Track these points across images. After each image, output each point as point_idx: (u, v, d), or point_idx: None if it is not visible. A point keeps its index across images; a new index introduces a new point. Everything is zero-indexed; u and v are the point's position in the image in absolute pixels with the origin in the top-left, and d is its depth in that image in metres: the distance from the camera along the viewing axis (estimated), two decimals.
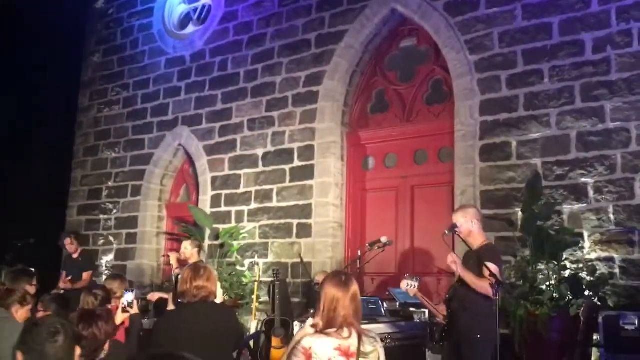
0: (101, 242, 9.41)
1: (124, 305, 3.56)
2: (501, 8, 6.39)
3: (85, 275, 7.19)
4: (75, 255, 7.43)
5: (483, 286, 3.78)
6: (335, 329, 2.45)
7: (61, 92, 10.57)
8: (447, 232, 4.15)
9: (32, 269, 5.02)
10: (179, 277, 3.23)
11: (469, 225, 4.18)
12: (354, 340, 2.44)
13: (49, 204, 10.00)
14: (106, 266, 9.21)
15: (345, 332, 2.45)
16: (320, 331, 2.47)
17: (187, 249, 5.94)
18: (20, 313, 3.67)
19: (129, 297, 3.59)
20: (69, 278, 7.04)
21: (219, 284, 3.24)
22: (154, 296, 6.37)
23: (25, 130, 10.65)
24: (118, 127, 9.65)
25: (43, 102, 10.44)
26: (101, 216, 9.53)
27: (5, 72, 10.60)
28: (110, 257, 9.23)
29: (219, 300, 3.20)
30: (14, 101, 10.46)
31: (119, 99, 9.76)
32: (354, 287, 2.56)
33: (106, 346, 2.90)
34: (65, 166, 10.17)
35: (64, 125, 10.41)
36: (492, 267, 3.74)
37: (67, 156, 10.21)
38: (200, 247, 6.14)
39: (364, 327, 2.58)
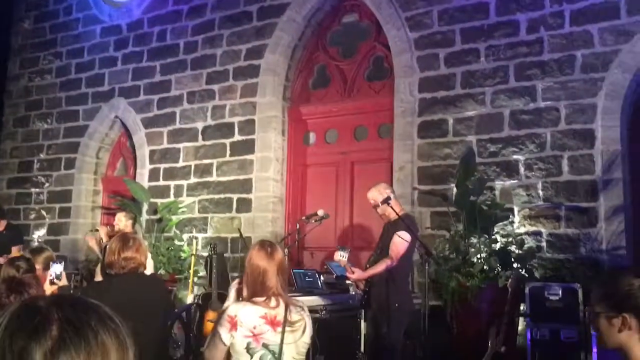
0: (33, 216, 9.07)
1: (51, 277, 3.44)
2: None
3: (15, 249, 6.85)
4: (0, 229, 7.03)
5: (386, 265, 3.99)
6: (263, 299, 2.45)
7: None
8: (380, 204, 4.25)
9: None
10: (107, 247, 3.15)
11: (384, 196, 4.36)
12: (280, 309, 2.45)
13: None
14: (38, 241, 8.88)
15: (273, 301, 2.45)
16: (246, 299, 2.47)
17: (122, 220, 5.82)
18: None
19: (57, 268, 3.46)
20: (3, 257, 6.68)
21: (149, 255, 3.17)
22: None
23: None
24: (50, 97, 9.25)
25: None
26: (33, 189, 9.16)
27: None
28: (42, 231, 8.92)
29: (149, 271, 3.13)
30: None
31: (51, 68, 9.35)
32: (280, 257, 2.56)
33: None
34: None
35: None
36: (400, 240, 3.92)
37: None
38: (134, 220, 6.00)
39: (300, 298, 2.60)
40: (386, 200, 4.21)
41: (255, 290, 2.46)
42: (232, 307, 2.45)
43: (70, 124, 8.95)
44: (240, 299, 2.53)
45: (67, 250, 8.51)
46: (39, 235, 8.91)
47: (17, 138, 9.50)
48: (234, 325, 2.37)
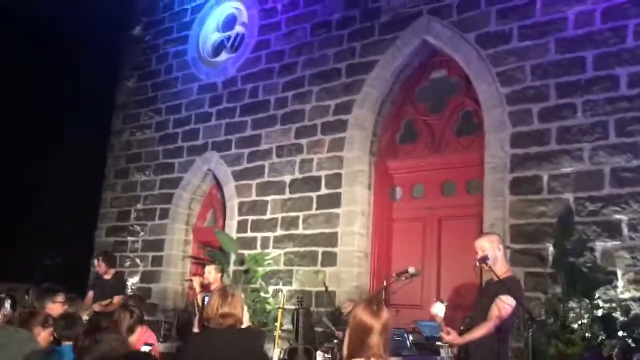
0: (128, 263, 9.49)
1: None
2: (534, 41, 6.36)
3: (117, 299, 7.00)
4: (107, 277, 7.30)
5: (487, 330, 3.71)
6: (361, 359, 2.39)
7: (94, 115, 10.85)
8: (477, 263, 4.07)
9: (59, 288, 5.06)
10: (205, 299, 3.22)
11: (495, 251, 4.10)
12: None
13: (80, 225, 10.18)
14: (132, 288, 9.25)
15: None
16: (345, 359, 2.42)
17: (211, 273, 5.96)
18: (43, 335, 3.63)
19: (146, 348, 3.60)
20: (107, 302, 6.86)
21: (246, 308, 3.21)
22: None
23: (59, 150, 10.92)
24: (149, 150, 9.80)
25: (78, 125, 10.72)
26: (129, 238, 9.62)
27: (42, 91, 10.94)
28: (136, 279, 9.28)
29: (245, 324, 3.17)
30: (49, 120, 10.76)
31: (151, 123, 9.94)
32: (386, 316, 2.49)
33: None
34: (96, 188, 10.34)
35: (97, 148, 10.64)
36: (504, 306, 3.67)
37: (99, 178, 10.40)
38: (223, 272, 6.14)
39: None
40: (487, 258, 3.99)
41: (356, 348, 2.40)
42: None
43: (166, 175, 9.41)
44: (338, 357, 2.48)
45: (158, 298, 8.79)
46: (132, 282, 9.28)
47: (117, 189, 10.08)
48: None
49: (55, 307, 4.31)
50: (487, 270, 4.01)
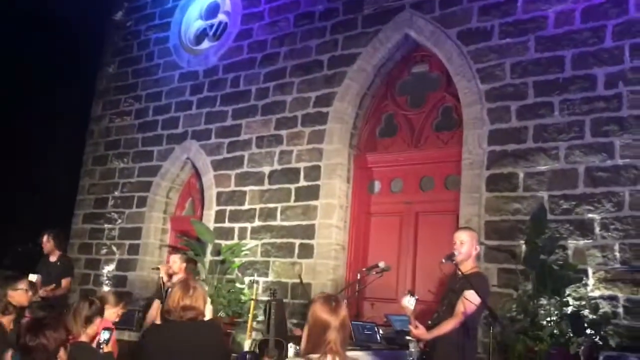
0: (104, 251, 9.40)
1: (99, 342, 3.55)
2: (514, 39, 6.38)
3: (65, 282, 6.82)
4: (53, 259, 6.96)
5: (452, 326, 3.74)
6: (318, 355, 2.39)
7: (76, 101, 10.72)
8: (444, 260, 4.08)
9: (30, 275, 4.98)
10: (169, 291, 3.19)
11: (471, 248, 4.11)
12: None
13: (56, 211, 10.07)
14: (107, 276, 9.19)
15: (329, 358, 2.38)
16: (302, 355, 2.42)
17: (176, 262, 5.90)
18: (4, 322, 3.58)
19: (105, 335, 3.56)
20: (52, 286, 6.58)
21: (209, 301, 3.19)
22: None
23: (39, 136, 10.79)
24: (128, 137, 9.70)
25: (58, 110, 10.59)
26: (106, 225, 9.53)
27: (23, 75, 10.78)
28: (111, 267, 9.21)
29: (207, 317, 3.15)
30: (30, 105, 10.61)
31: (131, 110, 9.83)
32: (344, 313, 2.51)
33: (61, 354, 2.85)
34: (74, 174, 10.23)
35: (76, 134, 10.52)
36: (468, 303, 3.70)
37: (77, 164, 10.28)
38: (188, 262, 6.08)
39: (356, 353, 2.52)
40: (453, 255, 4.01)
41: (314, 344, 2.41)
42: None
43: (145, 163, 9.32)
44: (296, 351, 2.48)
45: (134, 287, 8.73)
46: (108, 270, 9.20)
47: (95, 176, 9.97)
48: None
49: (17, 294, 4.22)
50: (454, 265, 4.02)
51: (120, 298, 4.59)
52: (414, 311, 4.05)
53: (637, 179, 5.43)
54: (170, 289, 3.24)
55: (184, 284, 3.12)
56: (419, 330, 3.81)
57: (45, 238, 6.93)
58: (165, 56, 9.66)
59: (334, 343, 2.40)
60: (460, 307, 3.73)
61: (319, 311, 2.47)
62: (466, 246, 4.06)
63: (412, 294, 4.12)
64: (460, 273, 3.88)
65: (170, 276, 5.91)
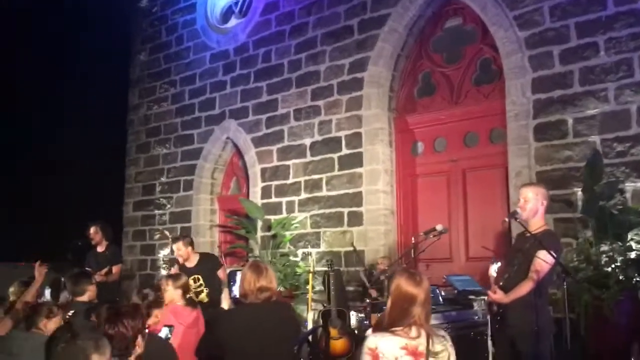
0: (157, 236, 9.64)
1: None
2: None
3: (115, 269, 6.87)
4: (100, 249, 6.97)
5: (529, 288, 3.64)
6: (401, 328, 2.41)
7: (110, 91, 10.83)
8: (506, 219, 4.00)
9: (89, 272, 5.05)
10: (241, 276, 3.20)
11: (537, 204, 3.91)
12: (422, 339, 2.40)
13: (106, 202, 10.31)
14: (163, 260, 9.43)
15: (414, 331, 2.41)
16: (385, 329, 2.44)
17: (181, 249, 5.77)
18: (49, 326, 3.58)
19: (165, 331, 3.61)
20: (105, 269, 6.64)
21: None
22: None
23: (78, 129, 10.96)
24: (167, 123, 9.82)
25: (92, 102, 10.71)
26: (156, 211, 9.75)
27: (53, 73, 10.93)
28: (166, 250, 9.43)
29: None
30: (62, 104, 10.77)
31: (167, 96, 9.92)
32: (428, 286, 2.54)
33: (139, 341, 2.90)
34: (119, 164, 10.44)
35: (115, 124, 10.68)
36: (542, 263, 3.61)
37: (120, 154, 10.48)
38: (192, 243, 5.97)
39: None
40: (517, 213, 3.87)
41: (397, 318, 2.43)
42: (371, 338, 2.43)
43: (187, 147, 9.44)
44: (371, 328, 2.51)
45: None
46: (163, 254, 9.44)
47: (140, 164, 10.16)
48: (375, 358, 2.35)
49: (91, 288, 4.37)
50: (521, 223, 3.90)
51: (177, 277, 4.53)
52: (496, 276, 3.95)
53: None
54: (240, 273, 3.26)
55: (254, 267, 3.16)
56: (498, 295, 3.73)
57: (93, 230, 6.99)
58: (194, 38, 9.66)
59: (419, 316, 2.42)
60: (534, 268, 3.62)
61: (405, 285, 2.49)
62: (531, 203, 3.87)
63: (496, 261, 4.00)
64: (528, 233, 3.77)
65: (185, 260, 5.87)
